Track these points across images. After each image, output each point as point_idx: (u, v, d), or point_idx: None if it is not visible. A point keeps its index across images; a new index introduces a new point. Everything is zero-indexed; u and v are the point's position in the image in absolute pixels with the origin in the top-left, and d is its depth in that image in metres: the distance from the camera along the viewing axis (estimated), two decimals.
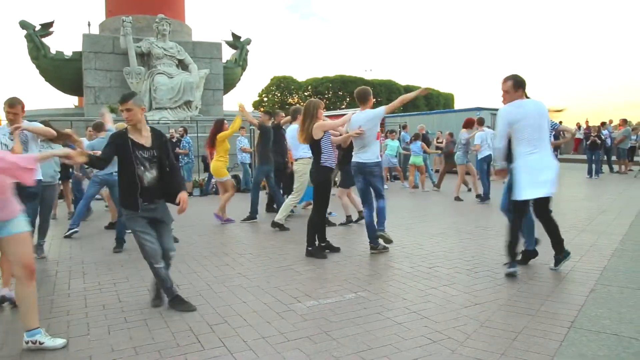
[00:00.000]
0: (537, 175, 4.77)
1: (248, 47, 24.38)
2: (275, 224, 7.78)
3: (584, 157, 17.48)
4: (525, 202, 4.90)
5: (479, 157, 10.91)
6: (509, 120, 4.88)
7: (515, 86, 4.90)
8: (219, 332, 3.71)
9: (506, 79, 4.94)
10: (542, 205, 5.02)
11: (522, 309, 4.07)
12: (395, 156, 14.37)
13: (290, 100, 50.00)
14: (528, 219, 5.25)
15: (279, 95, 50.54)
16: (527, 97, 4.99)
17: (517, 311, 4.03)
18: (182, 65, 20.88)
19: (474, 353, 3.28)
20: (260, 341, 3.53)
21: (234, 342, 3.51)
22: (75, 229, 7.45)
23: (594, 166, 16.38)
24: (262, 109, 43.01)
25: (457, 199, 11.15)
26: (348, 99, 46.55)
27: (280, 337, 3.60)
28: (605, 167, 18.07)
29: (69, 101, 31.03)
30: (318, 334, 3.63)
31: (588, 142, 16.53)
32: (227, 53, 24.09)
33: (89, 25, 25.33)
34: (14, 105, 5.02)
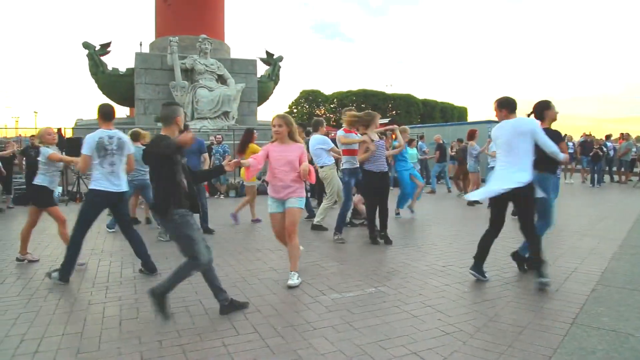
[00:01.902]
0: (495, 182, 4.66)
1: (280, 63, 24.50)
2: (314, 227, 7.73)
3: (587, 167, 17.15)
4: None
5: (490, 165, 10.80)
6: (492, 137, 5.01)
7: (499, 107, 4.82)
8: (252, 319, 3.75)
9: (494, 102, 4.92)
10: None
11: (528, 306, 4.02)
12: (416, 162, 14.32)
13: (317, 111, 50.02)
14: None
15: (307, 107, 50.61)
16: (513, 116, 4.78)
17: (523, 307, 3.99)
18: (221, 79, 21.09)
19: (483, 345, 3.26)
20: (289, 329, 3.56)
21: (265, 329, 3.55)
22: (113, 230, 7.62)
23: (596, 176, 16.08)
24: None
25: (470, 203, 11.03)
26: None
27: (307, 325, 3.62)
28: (606, 177, 17.70)
29: (122, 112, 31.61)
30: (341, 324, 3.65)
31: (591, 154, 16.23)
32: (261, 69, 24.22)
33: (140, 45, 25.90)
34: None
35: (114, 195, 4.89)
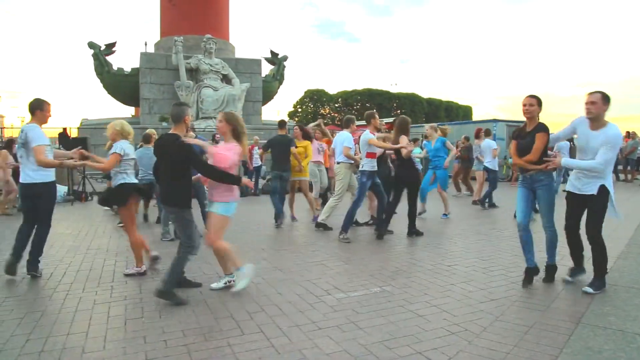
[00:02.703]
0: None
1: (285, 63, 24.50)
2: (319, 225, 7.59)
3: None
4: None
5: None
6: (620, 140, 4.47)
7: (605, 101, 4.22)
8: (257, 319, 3.75)
9: (594, 92, 4.24)
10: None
11: (534, 305, 4.00)
12: (419, 161, 14.30)
13: (322, 111, 49.97)
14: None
15: (311, 106, 50.54)
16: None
17: (529, 307, 3.97)
18: (226, 79, 21.11)
19: (488, 344, 3.24)
20: (294, 328, 3.55)
21: (270, 329, 3.54)
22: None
23: None
24: (296, 119, 43.31)
25: (475, 203, 10.98)
26: (375, 110, 46.33)
27: (312, 325, 3.61)
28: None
29: (127, 111, 31.66)
30: (346, 323, 3.64)
31: None
32: (266, 68, 24.24)
33: (145, 44, 25.99)
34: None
35: (25, 186, 4.93)
